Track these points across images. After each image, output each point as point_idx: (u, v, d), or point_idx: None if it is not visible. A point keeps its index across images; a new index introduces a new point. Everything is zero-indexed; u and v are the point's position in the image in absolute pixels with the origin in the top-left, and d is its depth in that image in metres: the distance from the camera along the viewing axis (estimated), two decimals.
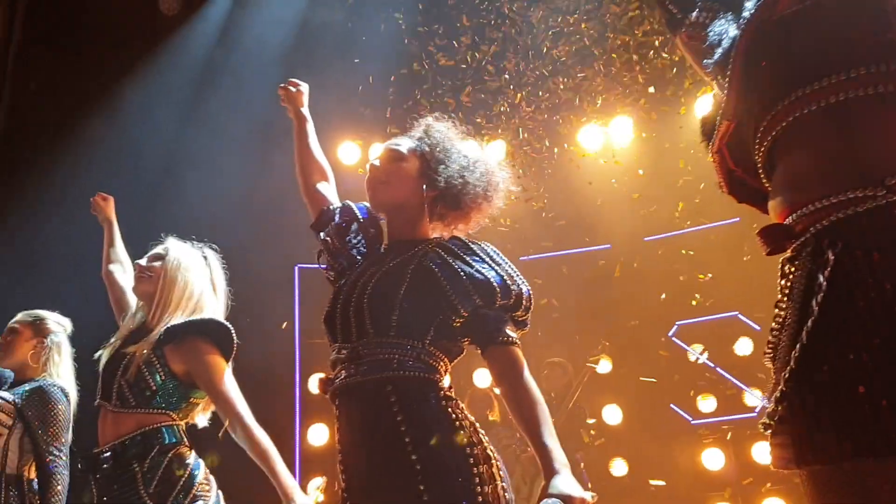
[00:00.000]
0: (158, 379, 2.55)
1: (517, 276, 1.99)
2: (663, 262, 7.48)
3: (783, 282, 1.31)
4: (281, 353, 7.53)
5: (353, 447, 1.89)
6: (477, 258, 1.97)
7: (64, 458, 3.21)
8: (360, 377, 1.89)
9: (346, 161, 7.52)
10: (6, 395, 3.31)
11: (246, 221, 6.85)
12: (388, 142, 2.22)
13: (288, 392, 7.69)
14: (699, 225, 7.38)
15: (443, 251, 2.01)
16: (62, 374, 3.47)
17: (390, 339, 1.90)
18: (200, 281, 2.76)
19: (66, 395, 3.37)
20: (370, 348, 1.91)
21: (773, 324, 1.31)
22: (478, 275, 1.93)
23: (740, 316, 7.15)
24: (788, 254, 1.32)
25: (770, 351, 1.32)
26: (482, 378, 7.63)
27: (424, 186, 2.12)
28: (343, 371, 1.93)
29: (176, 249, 2.79)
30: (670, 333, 7.70)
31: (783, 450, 1.24)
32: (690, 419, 7.21)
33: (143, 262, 2.80)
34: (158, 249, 2.81)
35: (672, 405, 7.28)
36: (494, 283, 1.92)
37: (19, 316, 3.53)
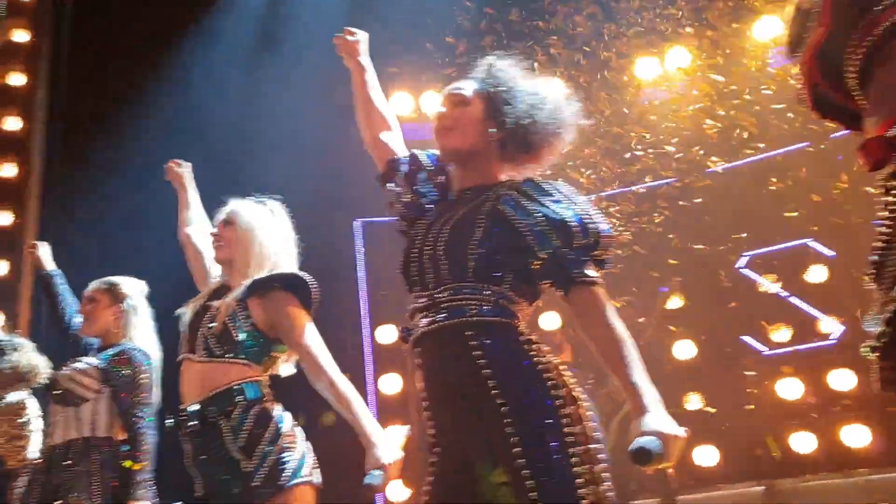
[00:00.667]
0: (242, 331, 2.59)
1: (596, 213, 1.93)
2: (730, 192, 7.29)
3: (888, 198, 1.23)
4: (348, 307, 7.63)
5: (438, 394, 1.89)
6: (553, 198, 1.93)
7: (149, 418, 3.32)
8: (439, 324, 1.87)
9: (399, 111, 7.48)
10: (93, 360, 3.42)
11: (310, 176, 6.88)
12: (451, 86, 2.15)
13: (357, 344, 7.81)
14: (764, 153, 7.17)
15: (517, 193, 1.96)
16: (143, 335, 3.55)
17: (468, 285, 1.87)
18: (272, 238, 2.78)
19: (148, 357, 3.47)
20: (448, 295, 1.89)
21: (877, 242, 1.24)
22: (555, 215, 1.88)
23: (810, 243, 6.96)
24: (892, 168, 1.24)
25: (874, 271, 1.26)
26: (548, 321, 7.64)
27: (492, 129, 2.05)
28: (422, 319, 1.92)
29: (244, 211, 2.80)
30: (740, 265, 7.55)
31: (892, 372, 1.19)
32: (764, 350, 7.09)
33: (215, 230, 2.82)
34: (227, 214, 2.82)
35: (744, 337, 7.16)
36: (572, 223, 1.87)
37: (94, 284, 3.60)
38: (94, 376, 3.37)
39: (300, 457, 2.52)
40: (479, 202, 1.99)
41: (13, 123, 7.62)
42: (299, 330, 2.60)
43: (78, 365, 3.40)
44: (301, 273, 2.73)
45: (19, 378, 4.40)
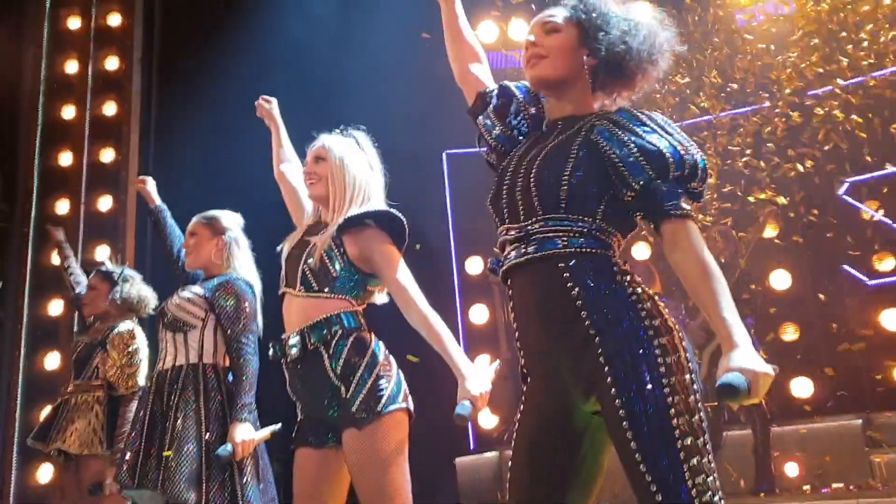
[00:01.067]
0: (338, 265, 2.64)
1: (691, 145, 1.87)
2: (828, 118, 6.96)
3: None
4: (436, 239, 7.70)
5: (530, 325, 1.87)
6: (647, 128, 1.87)
7: (252, 346, 3.45)
8: (531, 255, 1.86)
9: (485, 40, 7.36)
10: (198, 289, 3.53)
11: (399, 108, 6.88)
12: (541, 14, 2.07)
13: (446, 275, 7.90)
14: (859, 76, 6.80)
15: (610, 123, 1.90)
16: (244, 266, 3.64)
17: (560, 216, 1.85)
18: (363, 170, 2.81)
19: (251, 287, 3.57)
20: (540, 226, 1.84)
21: None
22: (650, 146, 1.83)
23: None
24: None
25: None
26: (641, 252, 7.54)
27: (585, 57, 1.98)
28: (513, 251, 1.91)
29: (335, 146, 2.82)
30: (841, 192, 7.25)
31: None
32: (867, 280, 6.84)
33: (307, 167, 2.86)
34: (317, 150, 2.85)
35: (846, 266, 6.92)
36: (668, 154, 1.82)
37: (195, 219, 3.67)
38: (200, 304, 3.48)
39: (395, 385, 2.58)
40: (573, 133, 1.95)
41: (112, 63, 7.85)
42: (392, 266, 2.66)
43: (185, 294, 3.53)
44: (393, 211, 2.75)
45: (129, 308, 4.64)
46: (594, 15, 1.99)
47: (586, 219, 1.86)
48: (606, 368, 1.74)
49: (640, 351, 1.74)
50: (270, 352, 2.72)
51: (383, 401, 2.53)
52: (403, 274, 2.66)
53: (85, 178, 7.40)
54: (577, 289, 1.80)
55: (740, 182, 7.05)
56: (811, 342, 6.93)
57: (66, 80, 7.73)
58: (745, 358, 1.65)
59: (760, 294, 6.69)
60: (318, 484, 2.60)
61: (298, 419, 2.70)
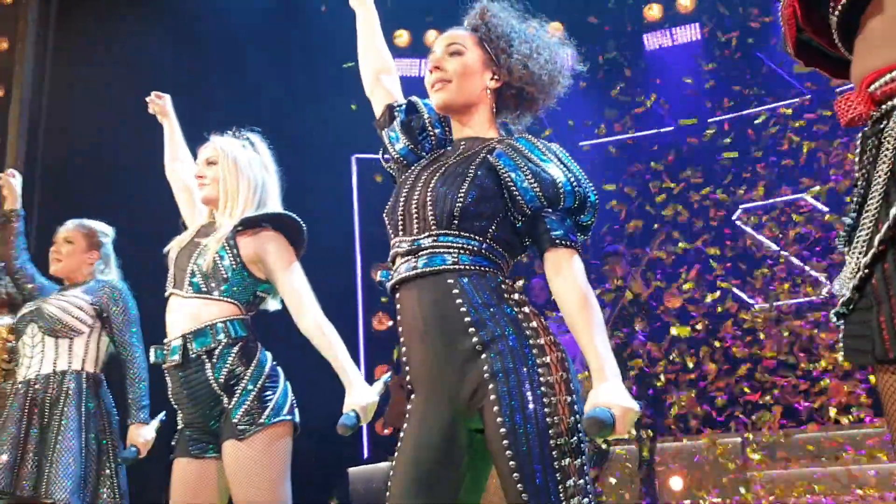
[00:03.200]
0: (231, 267, 2.58)
1: (584, 179, 1.91)
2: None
3: (863, 157, 1.18)
4: (341, 243, 7.64)
5: (417, 339, 1.86)
6: (545, 158, 1.91)
7: (141, 350, 3.36)
8: (420, 269, 1.87)
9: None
10: (84, 296, 3.43)
11: (305, 112, 6.81)
12: (445, 34, 2.08)
13: (350, 281, 7.84)
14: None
15: (510, 148, 1.93)
16: (114, 277, 3.60)
17: (452, 233, 1.86)
18: (258, 172, 2.76)
19: (130, 293, 3.50)
20: (431, 241, 1.87)
21: (851, 205, 1.19)
22: (544, 174, 1.86)
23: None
24: (869, 126, 1.18)
25: (845, 235, 1.21)
26: None
27: (489, 79, 2.02)
28: (403, 265, 1.91)
29: (228, 148, 2.75)
30: (734, 217, 7.58)
31: (858, 341, 1.15)
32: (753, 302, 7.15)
33: (198, 170, 2.78)
34: (210, 152, 2.76)
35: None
36: (560, 184, 1.85)
37: (72, 226, 3.57)
38: (89, 311, 3.41)
39: (281, 396, 2.53)
40: (473, 153, 1.97)
41: None
42: (286, 269, 2.61)
43: (71, 299, 3.42)
44: (290, 213, 2.70)
45: (11, 303, 4.39)
46: (497, 37, 2.01)
47: (477, 237, 1.87)
48: (490, 385, 1.75)
49: (524, 369, 1.76)
50: (152, 355, 2.61)
51: (267, 412, 2.47)
52: (297, 278, 2.62)
53: None
54: (465, 305, 1.81)
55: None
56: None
57: None
58: (612, 393, 1.70)
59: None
60: (197, 495, 2.52)
61: (178, 427, 2.62)
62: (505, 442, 1.71)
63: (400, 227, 1.96)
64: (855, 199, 1.20)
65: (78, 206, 3.71)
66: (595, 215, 1.94)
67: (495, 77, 2.02)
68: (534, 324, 1.83)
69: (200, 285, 2.57)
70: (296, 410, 2.56)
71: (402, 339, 1.93)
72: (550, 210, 1.86)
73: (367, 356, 7.89)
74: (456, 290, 1.83)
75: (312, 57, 7.27)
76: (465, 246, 1.86)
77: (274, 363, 2.60)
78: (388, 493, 1.88)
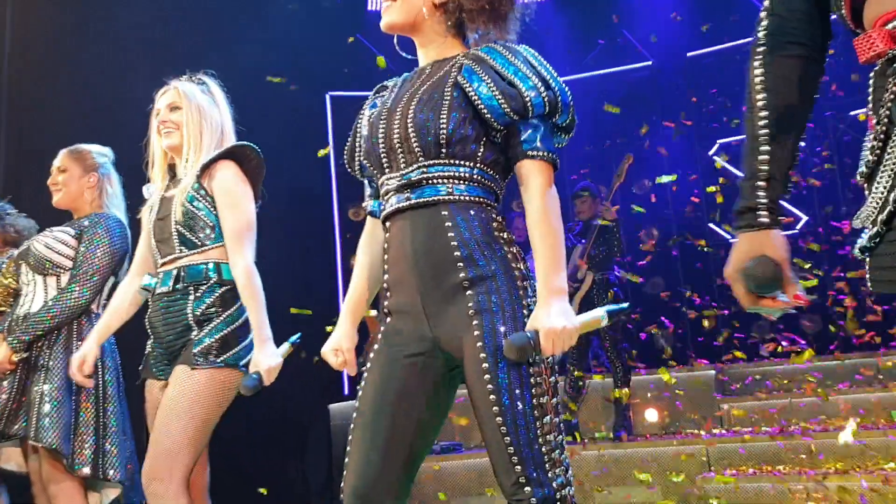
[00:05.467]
0: (208, 211, 2.59)
1: (553, 80, 1.83)
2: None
3: (883, 94, 1.20)
4: (319, 183, 7.59)
5: (404, 265, 1.85)
6: (511, 66, 1.84)
7: (86, 293, 3.19)
8: (413, 200, 1.85)
9: None
10: (69, 230, 3.32)
11: (278, 52, 6.68)
12: None
13: (327, 220, 7.82)
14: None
15: (474, 62, 1.87)
16: (117, 204, 3.45)
17: (441, 162, 1.84)
18: (215, 112, 2.75)
19: (124, 226, 3.37)
20: (422, 173, 1.85)
21: (872, 142, 1.21)
22: (508, 87, 1.81)
23: None
24: (884, 63, 1.21)
25: (867, 171, 1.23)
26: None
27: None
28: (394, 197, 1.89)
29: (189, 93, 2.73)
30: (713, 153, 7.61)
31: (888, 272, 1.19)
32: (730, 237, 7.20)
33: (161, 116, 2.74)
34: (170, 97, 2.75)
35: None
36: (525, 93, 1.80)
37: (62, 154, 3.42)
38: (73, 246, 3.29)
39: (244, 347, 2.59)
40: (442, 74, 1.91)
41: None
42: (229, 206, 2.60)
43: (57, 234, 3.32)
44: (243, 143, 2.69)
45: (15, 242, 4.20)
46: None
47: (467, 163, 1.85)
48: (475, 321, 1.76)
49: (511, 308, 1.77)
50: (145, 280, 2.69)
51: (226, 356, 2.54)
52: (240, 217, 2.60)
53: None
54: (456, 240, 1.81)
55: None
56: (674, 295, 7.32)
57: None
58: (541, 315, 1.72)
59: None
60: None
61: (147, 351, 2.72)
62: (487, 376, 1.72)
63: (385, 165, 1.92)
64: (876, 135, 1.21)
65: (42, 177, 3.54)
66: (571, 113, 1.89)
67: None
68: (521, 265, 1.84)
69: (191, 239, 2.61)
70: (250, 368, 2.56)
71: (386, 268, 1.92)
72: (521, 120, 1.83)
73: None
74: (449, 224, 1.82)
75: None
76: (456, 174, 1.84)
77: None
78: (354, 413, 1.87)
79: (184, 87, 2.75)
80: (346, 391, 7.49)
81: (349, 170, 2.16)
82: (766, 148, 1.35)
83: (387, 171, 1.92)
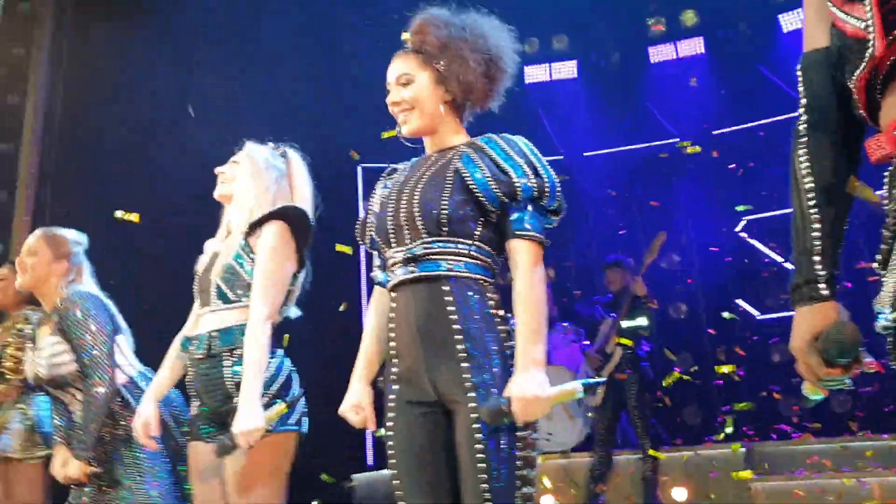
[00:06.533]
0: (250, 272, 2.55)
1: (543, 168, 2.04)
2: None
3: (892, 190, 1.29)
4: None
5: (408, 336, 2.02)
6: (504, 154, 2.04)
7: (107, 347, 3.08)
8: (417, 274, 2.02)
9: None
10: (52, 338, 3.11)
11: (310, 122, 6.86)
12: (392, 65, 2.20)
13: (355, 289, 7.89)
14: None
15: (473, 150, 2.07)
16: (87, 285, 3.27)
17: (442, 238, 2.01)
18: (275, 175, 2.74)
19: (91, 294, 3.20)
20: (424, 249, 2.02)
21: (885, 231, 1.30)
22: (501, 173, 2.00)
23: None
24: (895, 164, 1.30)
25: (881, 258, 1.32)
26: None
27: (443, 93, 2.15)
28: (400, 269, 2.06)
29: (252, 151, 2.77)
30: (739, 229, 7.63)
31: None
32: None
33: (221, 168, 2.78)
34: (236, 155, 2.78)
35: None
36: (515, 178, 1.99)
37: (36, 235, 3.29)
38: (66, 349, 3.10)
39: (292, 403, 2.53)
40: (445, 162, 2.10)
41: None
42: (264, 254, 2.55)
43: (46, 352, 3.15)
44: (293, 204, 2.66)
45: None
46: (438, 51, 2.13)
47: (466, 240, 2.02)
48: (470, 394, 1.92)
49: (502, 384, 1.91)
50: (179, 343, 2.71)
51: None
52: (271, 268, 2.54)
53: None
54: (456, 314, 1.97)
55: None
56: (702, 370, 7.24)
57: None
58: (517, 384, 1.86)
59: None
60: (209, 474, 2.58)
61: (194, 413, 2.69)
62: (479, 446, 1.88)
63: (392, 240, 2.10)
64: (888, 227, 1.31)
65: (89, 210, 3.64)
66: (558, 198, 2.05)
67: (447, 89, 2.14)
68: (514, 343, 1.97)
69: (227, 295, 2.59)
70: (304, 420, 2.57)
71: (392, 335, 2.08)
72: (512, 203, 2.01)
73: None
74: (449, 298, 1.99)
75: (321, 69, 7.33)
76: (456, 251, 2.01)
77: (291, 370, 2.59)
78: (393, 482, 2.02)
79: (250, 146, 2.80)
80: (371, 461, 7.43)
81: (360, 242, 2.33)
82: (818, 226, 1.42)
83: (394, 245, 2.10)
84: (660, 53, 8.31)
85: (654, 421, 5.79)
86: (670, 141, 8.27)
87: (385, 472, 6.96)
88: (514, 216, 2.00)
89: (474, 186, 2.00)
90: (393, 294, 2.10)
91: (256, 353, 2.43)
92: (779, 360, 7.04)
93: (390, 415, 2.06)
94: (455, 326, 1.96)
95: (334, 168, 7.39)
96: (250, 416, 2.33)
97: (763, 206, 7.44)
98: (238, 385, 2.46)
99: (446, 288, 1.99)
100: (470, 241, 2.02)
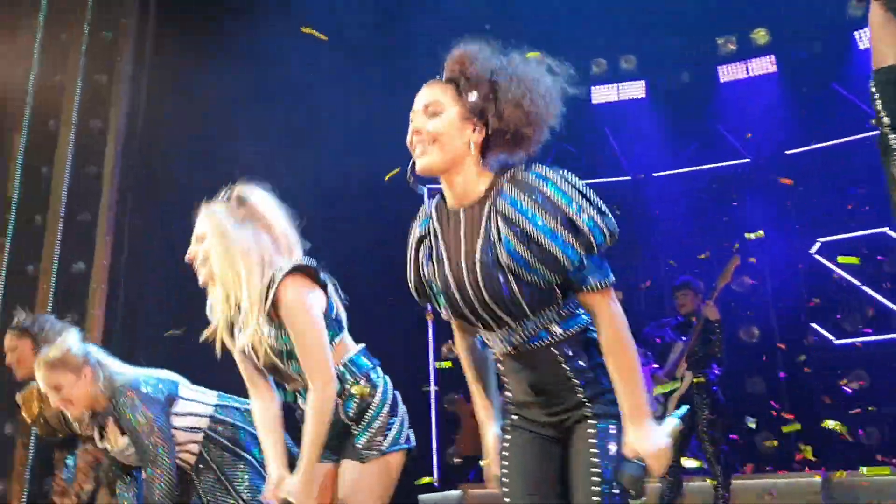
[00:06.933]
0: (287, 338, 2.44)
1: (578, 211, 1.82)
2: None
3: None
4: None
5: (525, 393, 2.01)
6: (538, 221, 1.82)
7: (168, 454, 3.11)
8: (521, 347, 1.96)
9: None
10: (122, 440, 3.17)
11: (377, 142, 6.94)
12: (422, 93, 1.97)
13: (421, 312, 7.95)
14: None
15: (522, 192, 1.84)
16: (120, 370, 3.24)
17: (532, 318, 1.92)
18: (248, 232, 2.49)
19: (136, 383, 3.17)
20: (519, 328, 1.94)
21: None
22: (544, 252, 1.82)
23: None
24: None
25: None
26: None
27: (470, 132, 1.91)
28: (497, 344, 2.01)
29: (210, 218, 2.51)
30: (813, 251, 7.44)
31: None
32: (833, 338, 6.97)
33: (189, 250, 2.56)
34: (197, 227, 2.55)
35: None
36: (559, 254, 1.81)
37: (44, 372, 3.15)
38: (150, 431, 3.09)
39: (400, 423, 2.57)
40: (485, 224, 1.90)
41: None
42: (295, 328, 2.43)
43: (117, 453, 3.24)
44: (296, 264, 2.47)
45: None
46: (480, 86, 1.91)
47: (551, 307, 1.92)
48: (590, 430, 1.94)
49: (616, 423, 1.93)
50: (287, 395, 2.64)
51: (388, 441, 2.53)
52: (309, 337, 2.43)
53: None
54: (570, 371, 1.95)
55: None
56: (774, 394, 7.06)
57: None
58: (642, 438, 1.85)
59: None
60: (319, 495, 2.60)
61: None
62: (595, 469, 1.89)
63: (475, 324, 2.02)
64: None
65: (171, 237, 3.71)
66: (608, 234, 1.85)
67: (477, 129, 1.92)
68: None
69: (297, 370, 2.52)
70: (411, 436, 2.61)
71: (509, 393, 2.09)
72: (587, 256, 1.85)
73: (438, 383, 7.97)
74: (560, 359, 1.95)
75: (391, 89, 7.42)
76: (546, 319, 1.93)
77: (394, 390, 2.61)
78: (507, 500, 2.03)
79: (207, 214, 2.53)
80: (437, 483, 7.43)
81: (418, 300, 2.17)
82: None
83: (480, 327, 2.02)
84: (730, 73, 8.20)
85: (725, 447, 5.66)
86: (741, 161, 8.14)
87: (452, 493, 6.97)
88: (576, 277, 1.87)
89: (531, 277, 1.86)
90: (500, 360, 2.06)
91: (320, 422, 2.39)
92: (856, 386, 6.81)
93: (505, 437, 2.07)
94: (574, 381, 1.95)
95: (402, 189, 7.49)
96: (293, 485, 2.39)
97: (839, 228, 7.25)
98: (353, 419, 2.53)
99: (555, 351, 1.94)
100: (554, 306, 1.92)
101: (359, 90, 7.15)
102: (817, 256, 7.44)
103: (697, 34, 8.05)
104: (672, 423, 1.92)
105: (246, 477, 3.24)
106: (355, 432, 2.53)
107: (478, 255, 1.91)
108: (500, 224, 1.87)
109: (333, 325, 2.54)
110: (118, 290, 5.93)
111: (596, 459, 1.88)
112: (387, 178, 3.78)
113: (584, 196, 1.84)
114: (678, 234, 8.12)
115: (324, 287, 2.53)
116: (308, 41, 6.25)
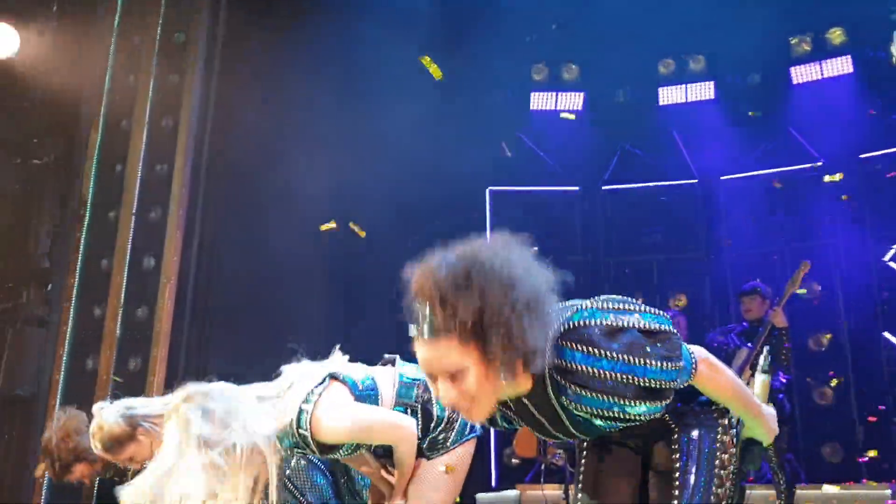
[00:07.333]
0: (346, 449, 2.59)
1: (628, 372, 1.77)
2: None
3: None
4: None
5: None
6: (625, 369, 1.77)
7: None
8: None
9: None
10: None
11: (437, 144, 6.96)
12: (434, 357, 1.72)
13: None
14: None
15: (588, 394, 1.79)
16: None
17: None
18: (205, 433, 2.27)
19: None
20: None
21: None
22: (649, 394, 1.82)
23: None
24: None
25: None
26: None
27: (496, 370, 1.70)
28: None
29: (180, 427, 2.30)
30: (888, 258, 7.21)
31: None
32: None
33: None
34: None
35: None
36: (664, 382, 1.81)
37: (103, 455, 3.07)
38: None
39: (460, 427, 2.73)
40: (564, 409, 1.89)
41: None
42: (357, 432, 2.53)
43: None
44: (310, 393, 2.47)
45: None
46: (478, 327, 1.67)
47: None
48: (675, 436, 2.11)
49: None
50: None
51: (453, 436, 2.72)
52: (378, 429, 2.58)
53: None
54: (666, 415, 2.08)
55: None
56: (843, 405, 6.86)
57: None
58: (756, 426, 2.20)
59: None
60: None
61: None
62: (678, 465, 2.06)
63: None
64: None
65: (242, 231, 3.79)
66: (672, 362, 1.86)
67: (502, 365, 1.71)
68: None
69: (377, 451, 2.73)
70: (477, 425, 2.72)
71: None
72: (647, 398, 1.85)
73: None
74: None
75: (452, 93, 7.45)
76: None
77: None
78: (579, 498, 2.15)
79: (180, 418, 2.31)
80: (495, 483, 7.44)
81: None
82: None
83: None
84: (803, 74, 7.99)
85: (790, 456, 5.54)
86: (813, 164, 7.93)
87: (510, 493, 6.96)
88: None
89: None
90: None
91: (408, 453, 2.61)
92: None
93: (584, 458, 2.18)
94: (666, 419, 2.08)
95: (463, 191, 7.51)
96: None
97: None
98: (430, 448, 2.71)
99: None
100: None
101: (435, 94, 7.18)
102: (892, 263, 7.21)
103: (769, 34, 7.86)
104: (761, 378, 2.27)
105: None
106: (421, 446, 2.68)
107: (570, 427, 1.98)
108: (581, 413, 1.88)
109: (368, 397, 2.59)
110: (186, 285, 6.07)
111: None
112: (322, 228, 3.68)
113: (632, 354, 1.78)
114: (748, 236, 7.97)
115: (337, 378, 2.54)
116: (385, 45, 6.31)
